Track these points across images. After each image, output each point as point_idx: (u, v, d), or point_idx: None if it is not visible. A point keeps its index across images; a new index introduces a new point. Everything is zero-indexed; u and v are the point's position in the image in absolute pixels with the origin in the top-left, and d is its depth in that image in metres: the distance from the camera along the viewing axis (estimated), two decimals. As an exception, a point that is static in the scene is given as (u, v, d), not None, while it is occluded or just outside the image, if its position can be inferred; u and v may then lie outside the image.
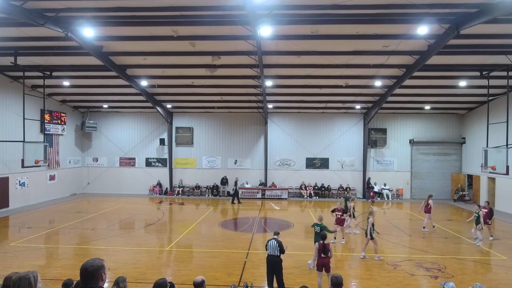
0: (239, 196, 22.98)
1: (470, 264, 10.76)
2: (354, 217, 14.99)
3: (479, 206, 13.64)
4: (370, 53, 14.82)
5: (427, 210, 15.05)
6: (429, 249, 12.22)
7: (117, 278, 4.92)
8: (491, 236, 13.88)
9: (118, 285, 4.80)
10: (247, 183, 25.00)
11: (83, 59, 16.24)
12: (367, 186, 24.42)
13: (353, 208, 14.99)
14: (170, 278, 7.74)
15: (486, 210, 13.53)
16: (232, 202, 22.43)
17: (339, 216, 13.13)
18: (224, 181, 25.24)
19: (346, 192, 17.41)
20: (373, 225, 11.10)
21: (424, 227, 15.10)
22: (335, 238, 12.87)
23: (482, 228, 13.03)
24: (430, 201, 15.05)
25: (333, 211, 13.54)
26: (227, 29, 13.18)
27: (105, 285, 3.35)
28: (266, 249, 8.28)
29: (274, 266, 8.04)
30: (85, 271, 2.89)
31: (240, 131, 25.75)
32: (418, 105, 23.21)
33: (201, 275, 5.50)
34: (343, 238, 13.25)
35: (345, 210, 14.13)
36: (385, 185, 24.32)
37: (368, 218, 11.32)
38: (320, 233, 8.85)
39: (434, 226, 15.15)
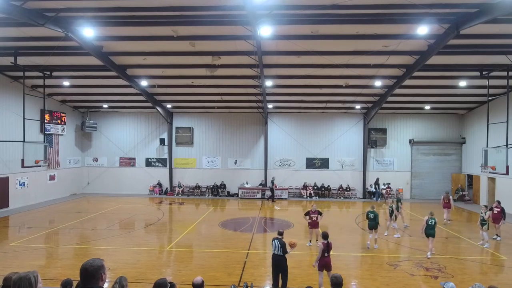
0: (274, 196, 23.81)
1: (470, 264, 10.76)
2: (392, 218, 14.39)
3: (485, 206, 13.55)
4: (370, 53, 14.82)
5: (447, 205, 16.53)
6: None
7: (119, 279, 4.88)
8: (499, 236, 13.70)
9: (120, 283, 4.77)
10: (247, 183, 25.00)
11: (83, 59, 16.25)
12: (377, 186, 24.37)
13: (393, 209, 14.50)
14: (170, 278, 7.73)
15: (498, 210, 13.44)
16: (268, 199, 23.63)
17: (315, 219, 12.52)
18: (223, 186, 25.47)
19: (397, 194, 17.11)
20: (435, 223, 11.34)
21: (450, 220, 16.48)
22: (310, 241, 12.63)
23: (488, 229, 12.94)
24: (450, 197, 16.88)
25: (306, 214, 12.64)
26: (227, 29, 13.18)
27: (105, 285, 3.35)
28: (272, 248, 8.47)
29: (279, 265, 8.17)
30: (85, 271, 2.88)
31: (240, 131, 25.75)
32: (418, 105, 23.21)
33: (201, 275, 5.50)
34: (317, 241, 12.22)
35: (391, 211, 14.43)
36: (384, 185, 24.29)
37: (431, 218, 11.35)
38: (322, 233, 8.85)
39: (448, 220, 16.30)
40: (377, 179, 24.54)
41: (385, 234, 14.17)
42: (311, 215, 12.57)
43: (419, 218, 17.71)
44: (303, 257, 10.94)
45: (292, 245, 8.29)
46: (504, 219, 13.49)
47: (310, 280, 8.95)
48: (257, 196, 24.40)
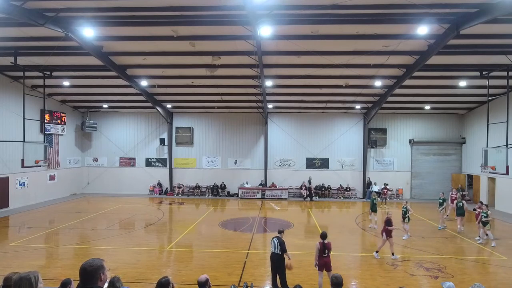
0: (313, 196, 24.07)
1: (470, 264, 10.76)
2: (405, 221, 13.66)
3: (487, 205, 13.60)
4: (370, 53, 14.82)
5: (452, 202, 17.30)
6: (429, 249, 12.22)
7: (111, 279, 4.88)
8: (479, 237, 13.71)
9: (114, 285, 4.77)
10: (247, 183, 25.00)
11: (83, 59, 16.25)
12: (367, 186, 24.44)
13: (407, 209, 13.73)
14: (170, 278, 7.72)
15: (480, 210, 13.58)
16: (305, 199, 23.86)
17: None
18: (223, 186, 25.49)
19: (442, 194, 16.29)
20: (463, 205, 13.57)
21: (447, 215, 16.87)
22: (376, 252, 11.29)
23: (490, 228, 12.99)
24: (451, 194, 18.08)
25: (389, 223, 11.13)
26: (227, 29, 13.18)
27: (105, 285, 3.35)
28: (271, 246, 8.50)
29: (276, 263, 8.21)
30: (84, 271, 2.88)
31: (240, 131, 25.75)
32: (418, 105, 23.21)
33: (205, 274, 5.46)
34: (393, 254, 11.16)
35: (405, 212, 13.68)
36: (384, 185, 24.25)
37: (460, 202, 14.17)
38: (321, 233, 8.85)
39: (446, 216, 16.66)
40: (369, 179, 24.63)
41: (404, 238, 13.54)
42: (392, 223, 11.25)
43: (419, 218, 17.74)
44: (303, 257, 10.93)
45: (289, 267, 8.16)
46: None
47: (310, 280, 8.96)
48: (257, 196, 24.40)
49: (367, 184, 24.61)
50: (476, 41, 13.78)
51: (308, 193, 24.01)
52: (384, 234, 11.16)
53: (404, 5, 11.19)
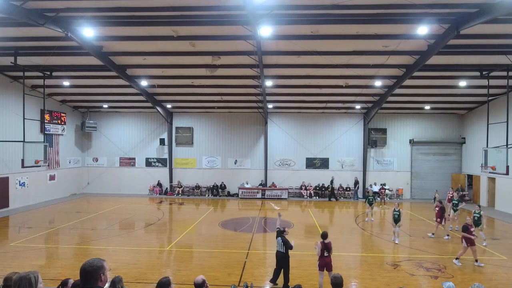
0: (336, 195, 24.37)
1: (470, 264, 10.74)
2: (397, 224, 13.17)
3: (479, 206, 13.54)
4: (370, 53, 14.82)
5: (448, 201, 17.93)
6: (429, 249, 12.21)
7: (113, 279, 4.89)
8: (447, 235, 13.93)
9: (114, 285, 4.78)
10: (247, 183, 25.00)
11: (83, 59, 16.24)
12: (354, 185, 24.61)
13: (400, 213, 13.22)
14: (170, 279, 7.72)
15: (437, 209, 13.77)
16: (330, 199, 23.94)
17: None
18: (223, 186, 25.50)
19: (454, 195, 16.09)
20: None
21: (449, 214, 16.05)
22: (478, 260, 10.63)
23: (483, 228, 12.93)
24: (436, 195, 18.37)
25: (466, 229, 10.51)
26: (227, 29, 13.18)
27: (106, 285, 3.35)
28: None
29: (281, 261, 8.51)
30: (84, 271, 2.88)
31: (240, 131, 25.75)
32: (418, 105, 23.21)
33: (201, 275, 5.47)
34: (477, 261, 10.57)
35: (398, 216, 13.13)
36: (384, 185, 24.26)
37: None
38: (322, 232, 8.85)
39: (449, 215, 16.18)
40: (356, 178, 24.68)
41: (396, 241, 13.02)
42: (471, 229, 10.57)
43: (420, 218, 17.74)
44: (303, 257, 10.94)
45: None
46: (444, 219, 13.95)
47: (310, 280, 8.96)
48: (257, 196, 24.40)
49: (354, 183, 24.69)
50: (476, 41, 13.78)
51: (330, 193, 24.15)
52: (463, 241, 10.51)
53: (404, 5, 11.19)
